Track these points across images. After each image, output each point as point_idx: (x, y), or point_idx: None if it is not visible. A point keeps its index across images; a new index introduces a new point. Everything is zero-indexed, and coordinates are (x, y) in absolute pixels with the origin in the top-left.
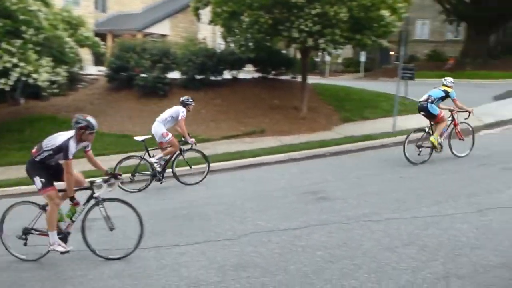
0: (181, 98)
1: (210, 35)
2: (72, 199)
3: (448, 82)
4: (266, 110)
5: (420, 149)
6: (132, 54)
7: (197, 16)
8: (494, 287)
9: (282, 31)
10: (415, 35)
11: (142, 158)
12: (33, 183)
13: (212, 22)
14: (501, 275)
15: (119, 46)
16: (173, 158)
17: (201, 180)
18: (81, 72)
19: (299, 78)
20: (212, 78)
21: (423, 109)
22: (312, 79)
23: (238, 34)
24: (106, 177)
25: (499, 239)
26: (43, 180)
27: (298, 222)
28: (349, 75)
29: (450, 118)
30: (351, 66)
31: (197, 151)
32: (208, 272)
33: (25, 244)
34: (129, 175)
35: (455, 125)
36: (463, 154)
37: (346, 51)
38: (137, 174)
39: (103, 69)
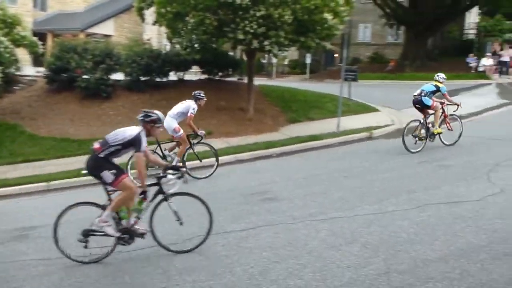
0: (193, 93)
1: (156, 36)
2: (143, 193)
3: (440, 78)
4: (212, 111)
5: (416, 139)
6: (73, 54)
7: (141, 16)
8: (432, 280)
9: (228, 33)
10: (358, 38)
11: (154, 151)
12: (99, 180)
13: (156, 22)
14: (439, 269)
15: (59, 46)
16: (185, 154)
17: (210, 174)
18: (18, 73)
19: (245, 80)
20: (158, 79)
21: (417, 102)
22: (259, 81)
23: (183, 35)
24: (177, 173)
25: (436, 234)
26: (113, 171)
27: (244, 223)
28: (295, 77)
29: (440, 110)
30: (297, 67)
31: (207, 144)
32: (153, 278)
33: (86, 247)
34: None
35: (445, 116)
36: (451, 143)
37: (292, 53)
38: (149, 168)
39: (42, 70)
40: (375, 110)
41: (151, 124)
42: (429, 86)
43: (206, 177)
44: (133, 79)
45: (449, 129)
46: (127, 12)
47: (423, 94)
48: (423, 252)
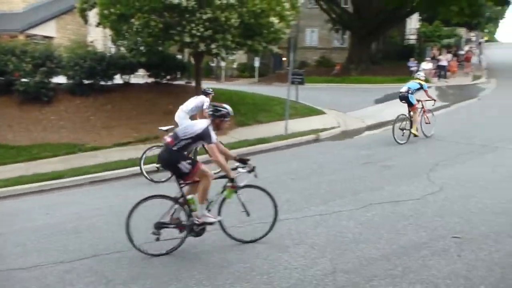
0: (203, 88)
1: (102, 38)
2: (231, 180)
3: (421, 76)
4: (160, 115)
5: (403, 131)
6: (11, 57)
7: (84, 18)
8: (376, 278)
9: (174, 36)
10: (305, 42)
11: None
12: (174, 172)
13: (100, 24)
14: (383, 267)
15: None
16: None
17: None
18: None
19: (194, 83)
20: (102, 83)
21: (404, 98)
22: (207, 84)
23: (128, 38)
24: (245, 166)
25: (380, 232)
26: (189, 161)
27: None
28: (244, 80)
29: (420, 106)
30: (246, 71)
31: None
32: None
33: (158, 239)
34: (154, 165)
35: (424, 111)
36: (430, 134)
37: (241, 57)
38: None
39: None
40: (322, 112)
41: (220, 119)
42: (414, 84)
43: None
44: (76, 82)
45: (426, 123)
46: (70, 13)
47: (410, 91)
48: (368, 251)
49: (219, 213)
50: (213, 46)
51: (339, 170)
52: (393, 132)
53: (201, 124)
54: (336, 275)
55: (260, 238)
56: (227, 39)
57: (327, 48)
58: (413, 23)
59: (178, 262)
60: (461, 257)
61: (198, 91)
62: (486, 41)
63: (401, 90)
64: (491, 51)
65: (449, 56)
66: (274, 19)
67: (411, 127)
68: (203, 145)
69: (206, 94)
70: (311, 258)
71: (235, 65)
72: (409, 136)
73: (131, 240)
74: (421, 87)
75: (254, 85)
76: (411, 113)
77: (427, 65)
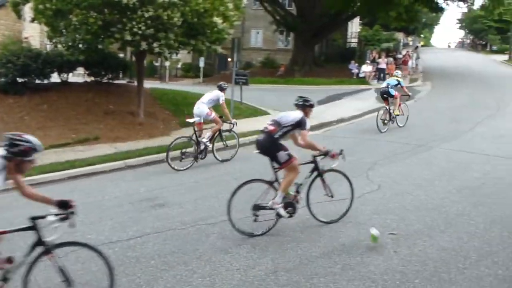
0: (219, 83)
1: (39, 34)
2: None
3: (398, 74)
4: (100, 116)
5: (385, 121)
6: None
7: (17, 13)
8: (317, 276)
9: (114, 33)
10: (250, 43)
11: (190, 138)
12: (272, 159)
13: (35, 20)
14: (323, 264)
15: None
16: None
17: (232, 156)
18: None
19: (136, 83)
20: (38, 81)
21: (385, 93)
22: (151, 84)
23: (66, 35)
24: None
25: (321, 231)
26: (287, 152)
27: (132, 231)
28: (189, 80)
29: (399, 99)
30: (191, 71)
31: (234, 132)
32: None
33: (255, 220)
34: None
35: (399, 105)
36: (402, 125)
37: (186, 56)
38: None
39: None
40: (267, 113)
41: (309, 108)
42: (392, 80)
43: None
44: (8, 80)
45: (400, 114)
46: (3, 8)
47: (389, 86)
48: (309, 249)
49: (307, 196)
50: (155, 45)
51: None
52: (377, 123)
53: (295, 113)
54: (277, 275)
55: (341, 217)
56: (170, 38)
57: (271, 50)
58: (355, 27)
59: (116, 267)
60: (397, 253)
61: (140, 91)
62: (422, 45)
63: (381, 86)
64: (427, 55)
65: (391, 59)
66: (218, 19)
67: (390, 118)
68: None
69: (221, 89)
70: (253, 258)
71: (179, 65)
72: (388, 126)
73: (230, 221)
74: (399, 83)
75: (199, 85)
76: (391, 105)
77: (367, 68)
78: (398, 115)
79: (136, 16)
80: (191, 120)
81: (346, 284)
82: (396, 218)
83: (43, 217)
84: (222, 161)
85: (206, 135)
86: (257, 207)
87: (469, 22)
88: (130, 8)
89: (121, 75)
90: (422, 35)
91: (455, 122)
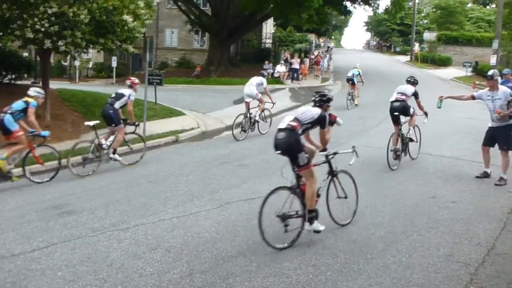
0: (260, 71)
1: None
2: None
3: (357, 65)
4: None
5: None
6: None
7: None
8: (232, 275)
9: (14, 30)
10: (165, 42)
11: (92, 142)
12: (292, 159)
13: None
14: (239, 263)
15: None
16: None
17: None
18: None
19: (41, 83)
20: None
21: (351, 80)
22: (59, 85)
23: None
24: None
25: (237, 230)
26: (307, 155)
27: (37, 242)
28: (101, 81)
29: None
30: (103, 71)
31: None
32: None
33: (286, 231)
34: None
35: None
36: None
37: (98, 56)
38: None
39: None
40: (182, 114)
41: (327, 104)
42: (355, 71)
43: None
44: None
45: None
46: None
47: (354, 76)
48: (224, 249)
49: (327, 198)
50: (60, 43)
51: (197, 171)
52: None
53: (314, 110)
54: (193, 277)
55: (351, 220)
56: (77, 36)
57: (187, 49)
58: (269, 28)
59: (19, 282)
60: (310, 247)
61: (46, 92)
62: (333, 47)
63: (348, 75)
64: (337, 56)
65: (307, 60)
66: (128, 17)
67: (353, 98)
68: None
69: (263, 75)
70: (168, 262)
71: (90, 65)
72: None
73: (262, 235)
74: (359, 73)
75: (112, 86)
76: (355, 91)
77: (281, 68)
78: (357, 105)
79: (38, 13)
80: (91, 123)
81: (262, 281)
82: None
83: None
84: (129, 164)
85: (257, 113)
86: (285, 217)
87: (374, 25)
88: (31, 4)
89: (25, 76)
90: (333, 37)
91: (362, 119)
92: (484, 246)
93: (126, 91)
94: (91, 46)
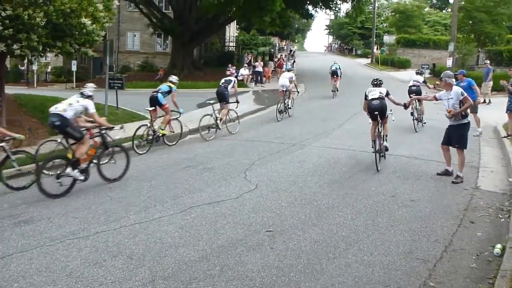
0: (288, 68)
1: None
2: None
3: (293, 69)
4: None
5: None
6: None
7: None
8: (195, 280)
9: None
10: (127, 46)
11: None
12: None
13: None
14: (202, 268)
15: None
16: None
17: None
18: None
19: None
20: None
21: (335, 73)
22: (16, 90)
23: None
24: None
25: (200, 234)
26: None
27: None
28: (61, 85)
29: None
30: (63, 75)
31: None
32: None
33: None
34: None
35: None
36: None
37: (57, 60)
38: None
39: None
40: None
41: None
42: (337, 65)
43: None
44: None
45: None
46: None
47: (336, 68)
48: (187, 254)
49: None
50: (15, 46)
51: (160, 176)
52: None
53: (383, 88)
54: (155, 283)
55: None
56: (33, 40)
57: (150, 53)
58: (232, 31)
59: None
60: (274, 249)
61: (2, 97)
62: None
63: (332, 69)
64: (301, 59)
65: (271, 63)
66: (86, 20)
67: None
68: None
69: (290, 70)
70: (130, 269)
71: (49, 69)
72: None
73: None
74: (340, 68)
75: (72, 90)
76: (337, 82)
77: (244, 71)
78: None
79: None
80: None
81: (225, 285)
82: (272, 215)
83: None
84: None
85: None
86: None
87: (336, 28)
88: None
89: None
90: (296, 40)
91: (326, 120)
92: (442, 243)
93: (231, 78)
94: (48, 49)
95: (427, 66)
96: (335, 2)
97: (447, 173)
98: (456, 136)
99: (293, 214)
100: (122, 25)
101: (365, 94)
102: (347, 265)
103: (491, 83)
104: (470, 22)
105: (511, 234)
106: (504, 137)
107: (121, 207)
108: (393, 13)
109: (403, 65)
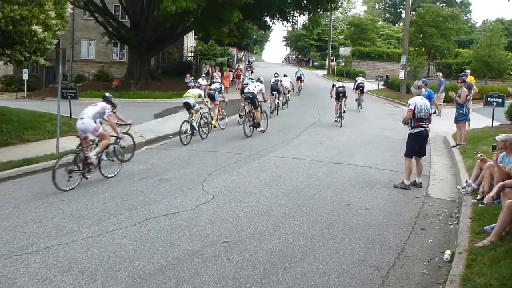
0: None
1: None
2: None
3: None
4: None
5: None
6: None
7: None
8: None
9: None
10: (82, 54)
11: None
12: None
13: None
14: (156, 281)
15: None
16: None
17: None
18: None
19: None
20: None
21: (298, 78)
22: None
23: None
24: None
25: (155, 247)
26: None
27: None
28: (11, 95)
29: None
30: (13, 84)
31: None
32: None
33: None
34: None
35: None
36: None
37: (7, 68)
38: None
39: None
40: None
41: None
42: (299, 71)
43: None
44: None
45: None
46: None
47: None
48: (142, 267)
49: None
50: None
51: (115, 188)
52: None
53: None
54: None
55: None
56: None
57: (105, 62)
58: (190, 41)
59: None
60: (230, 260)
61: None
62: (254, 60)
63: (297, 75)
64: (260, 69)
65: (231, 73)
66: (38, 28)
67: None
68: None
69: (299, 79)
70: (81, 284)
71: None
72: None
73: None
74: (302, 74)
75: (23, 100)
76: (302, 83)
77: (202, 81)
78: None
79: None
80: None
81: None
82: (229, 226)
83: None
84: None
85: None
86: None
87: (294, 40)
88: None
89: None
90: (254, 51)
91: (283, 131)
92: (395, 250)
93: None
94: None
95: (381, 78)
96: (292, 14)
97: (415, 184)
98: (424, 144)
99: (250, 225)
100: (76, 33)
101: (333, 84)
102: (303, 274)
103: (443, 94)
104: (421, 36)
105: (459, 240)
106: (453, 146)
107: (73, 221)
108: (348, 26)
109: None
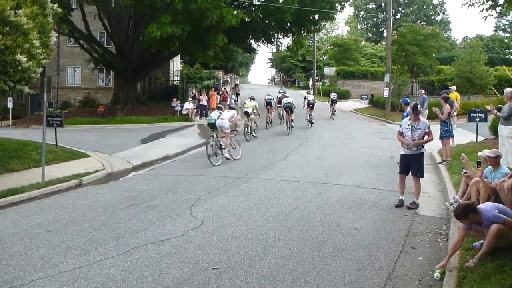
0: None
1: None
2: None
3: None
4: None
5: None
6: None
7: None
8: None
9: None
10: (67, 81)
11: None
12: None
13: None
14: None
15: None
16: None
17: None
18: None
19: None
20: None
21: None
22: None
23: None
24: None
25: (144, 276)
26: None
27: None
28: None
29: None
30: None
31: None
32: None
33: None
34: None
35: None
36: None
37: None
38: None
39: None
40: (86, 155)
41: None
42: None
43: None
44: None
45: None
46: None
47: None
48: None
49: None
50: None
51: (101, 216)
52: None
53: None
54: None
55: None
56: None
57: (91, 88)
58: (176, 65)
59: None
60: (220, 287)
61: None
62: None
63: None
64: (246, 91)
65: (219, 97)
66: (22, 57)
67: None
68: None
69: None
70: None
71: None
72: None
73: None
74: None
75: (8, 128)
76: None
77: (189, 105)
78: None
79: None
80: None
81: None
82: (218, 252)
83: None
84: None
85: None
86: None
87: (279, 61)
88: None
89: None
90: (240, 73)
91: (271, 153)
92: (386, 270)
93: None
94: None
95: (366, 96)
96: (276, 36)
97: (402, 203)
98: (416, 164)
99: (239, 249)
100: (62, 60)
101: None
102: None
103: (426, 111)
104: (403, 54)
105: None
106: (440, 162)
107: (59, 252)
108: (332, 47)
109: (343, 95)
